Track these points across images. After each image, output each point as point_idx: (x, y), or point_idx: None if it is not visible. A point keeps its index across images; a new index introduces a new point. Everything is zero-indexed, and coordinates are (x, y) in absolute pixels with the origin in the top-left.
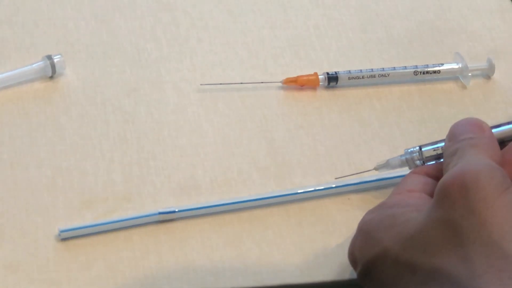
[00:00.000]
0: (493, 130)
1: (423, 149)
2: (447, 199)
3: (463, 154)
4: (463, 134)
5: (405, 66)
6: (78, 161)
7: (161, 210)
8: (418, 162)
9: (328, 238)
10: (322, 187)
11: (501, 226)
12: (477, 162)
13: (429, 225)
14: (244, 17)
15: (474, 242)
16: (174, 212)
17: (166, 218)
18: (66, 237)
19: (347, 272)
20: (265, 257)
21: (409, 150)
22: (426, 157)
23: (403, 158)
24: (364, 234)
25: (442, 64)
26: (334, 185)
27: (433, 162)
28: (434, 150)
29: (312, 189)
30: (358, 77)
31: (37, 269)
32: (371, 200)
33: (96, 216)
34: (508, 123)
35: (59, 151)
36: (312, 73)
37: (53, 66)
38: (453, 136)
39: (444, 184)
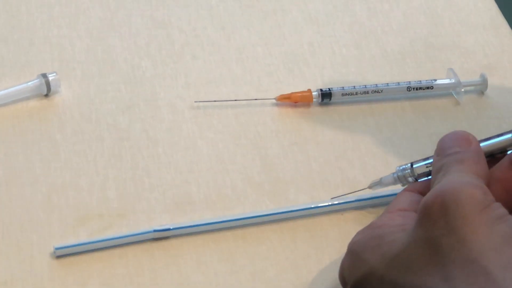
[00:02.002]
0: (482, 144)
1: (414, 166)
2: (428, 218)
3: (448, 170)
4: (450, 148)
5: (399, 82)
6: (73, 178)
7: (156, 228)
8: (410, 179)
9: (321, 254)
10: (317, 205)
11: (481, 244)
12: (458, 180)
13: (412, 245)
14: (238, 35)
15: (454, 260)
16: (169, 229)
17: (160, 235)
18: (61, 254)
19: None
20: (259, 274)
21: (400, 167)
22: (418, 174)
23: (395, 175)
24: (353, 255)
25: (435, 80)
26: (328, 203)
27: (426, 178)
28: (427, 166)
29: (307, 207)
30: (351, 94)
31: (32, 286)
32: (365, 217)
33: (91, 233)
34: (497, 136)
35: (54, 168)
36: (306, 89)
37: (48, 84)
38: (440, 150)
39: (425, 203)
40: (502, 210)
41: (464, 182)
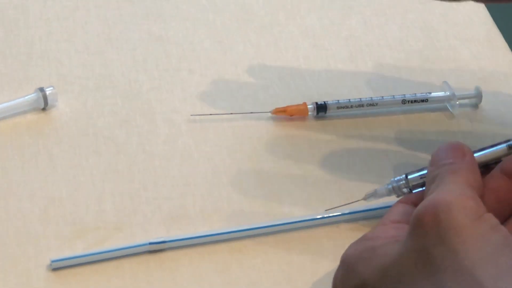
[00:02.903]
0: (477, 154)
1: (409, 177)
2: (420, 229)
3: (441, 181)
4: (444, 159)
5: (393, 95)
6: (69, 191)
7: (151, 240)
8: (405, 190)
9: (316, 266)
10: (311, 218)
11: (472, 254)
12: (451, 191)
13: (404, 256)
14: (235, 48)
15: (445, 270)
16: (164, 242)
17: (156, 248)
18: (58, 267)
19: None
20: (254, 286)
21: (395, 179)
22: (413, 185)
23: (390, 186)
24: (345, 267)
25: (430, 93)
26: (323, 216)
27: (421, 189)
28: (421, 177)
29: (301, 219)
30: (346, 107)
31: None
32: (360, 229)
33: (87, 246)
34: (491, 146)
35: (51, 182)
36: (301, 103)
37: (45, 98)
38: (434, 161)
39: (417, 214)
40: (494, 220)
41: (456, 193)
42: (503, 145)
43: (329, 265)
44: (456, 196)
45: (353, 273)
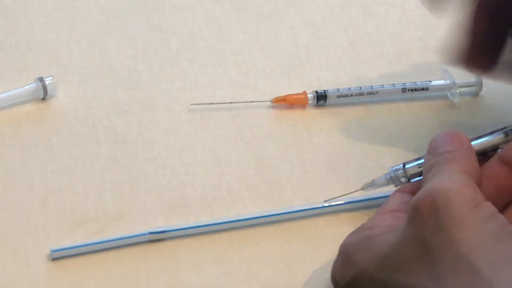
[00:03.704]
0: (474, 142)
1: (406, 166)
2: (418, 217)
3: (438, 170)
4: (441, 147)
5: (394, 84)
6: (69, 181)
7: (151, 230)
8: (403, 179)
9: (316, 255)
10: (311, 207)
11: (469, 242)
12: (448, 179)
13: (402, 244)
14: (235, 38)
15: (443, 259)
16: (164, 232)
17: (156, 237)
18: (58, 256)
19: None
20: (254, 275)
21: (393, 168)
22: (411, 174)
23: (388, 176)
24: (344, 257)
25: (431, 81)
26: (322, 205)
27: (419, 178)
28: (419, 166)
29: (301, 208)
30: (347, 95)
31: None
32: (359, 218)
33: (87, 236)
34: (489, 134)
35: (51, 172)
36: (301, 91)
37: (44, 88)
38: (431, 149)
39: (415, 203)
40: (492, 208)
41: (454, 181)
42: (500, 132)
43: (328, 254)
44: (454, 184)
45: (351, 263)
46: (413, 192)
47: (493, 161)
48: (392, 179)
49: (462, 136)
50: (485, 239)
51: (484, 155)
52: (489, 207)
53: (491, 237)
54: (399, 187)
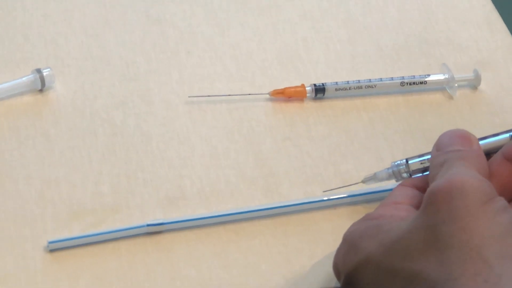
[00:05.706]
0: (480, 142)
1: (409, 162)
2: (432, 206)
3: (451, 165)
4: (451, 145)
5: (392, 77)
6: (67, 173)
7: (149, 222)
8: (405, 174)
9: (314, 248)
10: (309, 200)
11: (482, 233)
12: (466, 173)
13: (412, 231)
14: (233, 30)
15: (452, 246)
16: (162, 224)
17: (154, 230)
18: (55, 248)
19: (333, 281)
20: (251, 268)
21: (395, 163)
22: (413, 170)
23: (390, 171)
24: (348, 244)
25: (429, 75)
26: (321, 198)
27: (420, 174)
28: (421, 163)
29: (299, 202)
30: (345, 89)
31: (26, 280)
32: (358, 212)
33: (84, 228)
34: (494, 135)
35: (48, 164)
36: (300, 84)
37: (42, 79)
38: (441, 146)
39: (431, 191)
40: (504, 203)
41: (471, 175)
42: (506, 135)
43: (326, 247)
44: (470, 177)
45: (357, 249)
46: (416, 187)
47: (497, 158)
48: (394, 174)
49: (471, 136)
50: (497, 231)
51: (487, 155)
52: (502, 201)
53: (503, 229)
54: (402, 181)
